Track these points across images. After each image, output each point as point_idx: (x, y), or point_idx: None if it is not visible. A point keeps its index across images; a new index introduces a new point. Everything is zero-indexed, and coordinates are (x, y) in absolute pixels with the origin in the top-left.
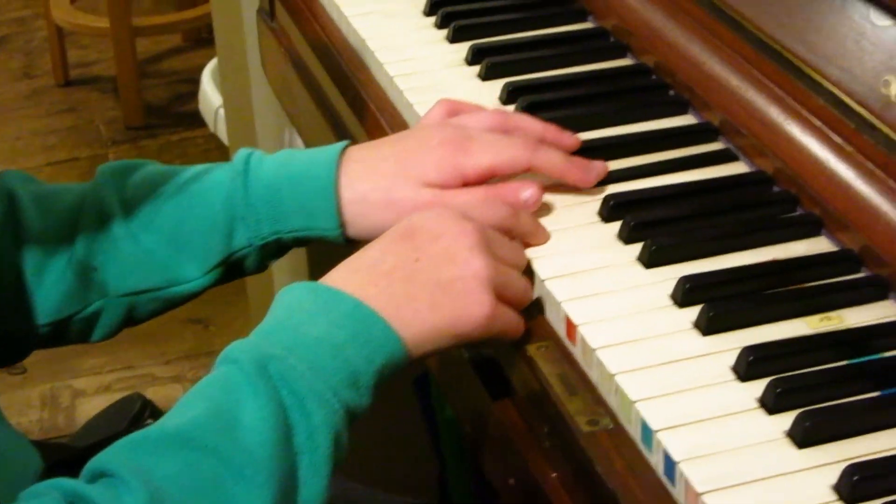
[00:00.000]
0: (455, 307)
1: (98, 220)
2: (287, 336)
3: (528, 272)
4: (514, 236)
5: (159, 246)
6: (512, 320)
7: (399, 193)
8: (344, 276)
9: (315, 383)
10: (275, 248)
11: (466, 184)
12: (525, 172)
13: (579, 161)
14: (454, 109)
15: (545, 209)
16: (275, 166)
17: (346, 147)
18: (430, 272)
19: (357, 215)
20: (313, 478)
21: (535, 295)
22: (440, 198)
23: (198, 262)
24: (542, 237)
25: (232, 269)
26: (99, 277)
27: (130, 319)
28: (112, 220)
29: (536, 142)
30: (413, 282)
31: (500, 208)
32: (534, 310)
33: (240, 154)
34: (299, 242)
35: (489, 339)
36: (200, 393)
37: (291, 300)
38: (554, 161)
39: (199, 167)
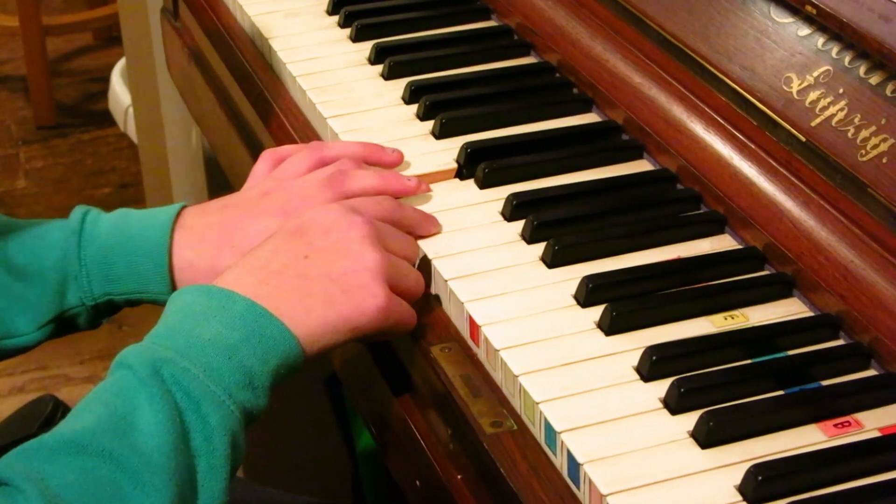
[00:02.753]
0: (349, 300)
1: None
2: (180, 339)
3: (429, 271)
4: (402, 228)
5: None
6: (406, 311)
7: (224, 262)
8: (236, 277)
9: (209, 385)
10: (106, 308)
11: None
12: None
13: (393, 174)
14: (277, 158)
15: (448, 209)
16: (109, 228)
17: (181, 209)
18: (322, 267)
19: (186, 281)
20: (211, 480)
21: (440, 296)
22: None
23: (30, 318)
24: (430, 226)
25: (65, 326)
26: None
27: None
28: None
29: (344, 172)
30: (305, 278)
31: (386, 202)
32: (437, 310)
33: (76, 212)
34: (131, 303)
35: (384, 332)
36: (95, 399)
37: (184, 303)
38: (367, 182)
39: (34, 221)
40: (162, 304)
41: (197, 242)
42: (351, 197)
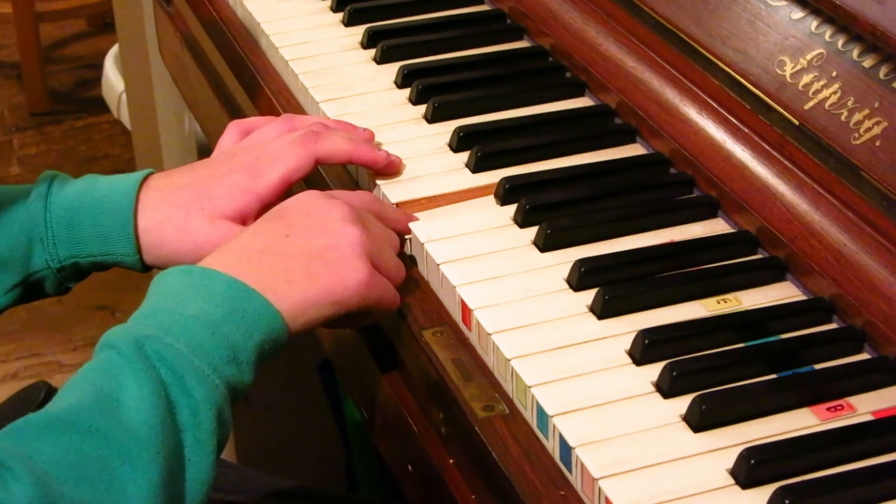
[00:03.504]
0: (330, 274)
1: None
2: (163, 317)
3: (421, 255)
4: (382, 220)
5: None
6: (389, 289)
7: (193, 225)
8: (217, 259)
9: (194, 360)
10: (72, 272)
11: (265, 204)
12: (315, 167)
13: (364, 142)
14: (245, 129)
15: (439, 193)
16: (76, 191)
17: (148, 175)
18: (303, 244)
19: (153, 243)
20: (199, 455)
21: (431, 280)
22: (234, 231)
23: None
24: (408, 224)
25: (31, 290)
26: None
27: None
28: None
29: (317, 132)
30: (286, 255)
31: (366, 194)
32: (429, 294)
33: (43, 176)
34: (97, 267)
35: (368, 310)
36: (81, 379)
37: (166, 284)
38: (338, 145)
39: (1, 188)
40: (127, 266)
41: (165, 203)
42: (321, 158)
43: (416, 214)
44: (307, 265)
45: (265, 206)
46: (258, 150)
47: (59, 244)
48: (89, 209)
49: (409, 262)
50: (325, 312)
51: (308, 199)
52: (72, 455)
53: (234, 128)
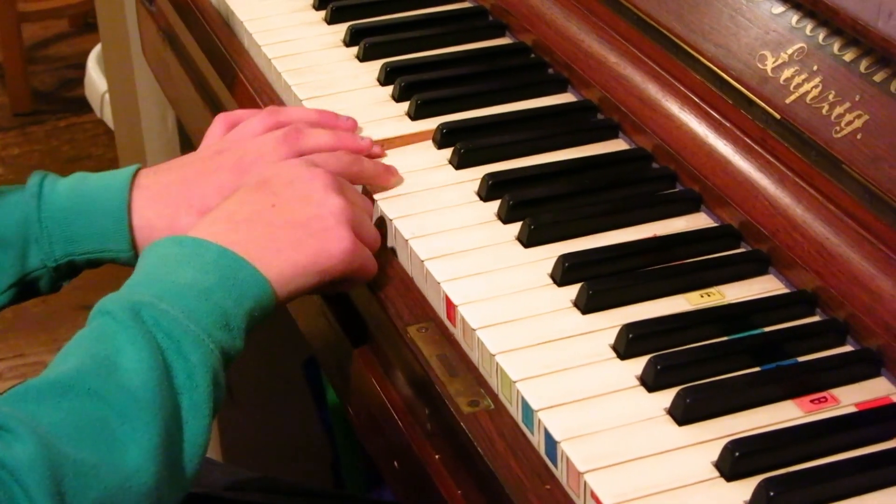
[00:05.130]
0: (316, 243)
1: None
2: (156, 285)
3: (405, 251)
4: (362, 181)
5: None
6: (369, 257)
7: (182, 222)
8: (206, 228)
9: (188, 325)
10: (67, 270)
11: None
12: None
13: (347, 133)
14: (231, 121)
15: (423, 189)
16: (67, 190)
17: (137, 171)
18: (289, 214)
19: (145, 240)
20: (196, 417)
21: (416, 276)
22: None
23: None
24: (389, 177)
25: (25, 290)
26: None
27: None
28: None
29: (299, 129)
30: (273, 224)
31: (344, 156)
32: (414, 290)
33: (34, 177)
34: (92, 264)
35: (348, 277)
36: (77, 345)
37: (157, 254)
38: (322, 139)
39: None
40: (122, 263)
41: (155, 201)
42: (306, 154)
43: (400, 213)
44: (294, 234)
45: None
46: (244, 147)
47: (54, 243)
48: (83, 208)
49: (390, 254)
50: (311, 281)
51: (290, 167)
52: (72, 417)
53: (220, 121)
